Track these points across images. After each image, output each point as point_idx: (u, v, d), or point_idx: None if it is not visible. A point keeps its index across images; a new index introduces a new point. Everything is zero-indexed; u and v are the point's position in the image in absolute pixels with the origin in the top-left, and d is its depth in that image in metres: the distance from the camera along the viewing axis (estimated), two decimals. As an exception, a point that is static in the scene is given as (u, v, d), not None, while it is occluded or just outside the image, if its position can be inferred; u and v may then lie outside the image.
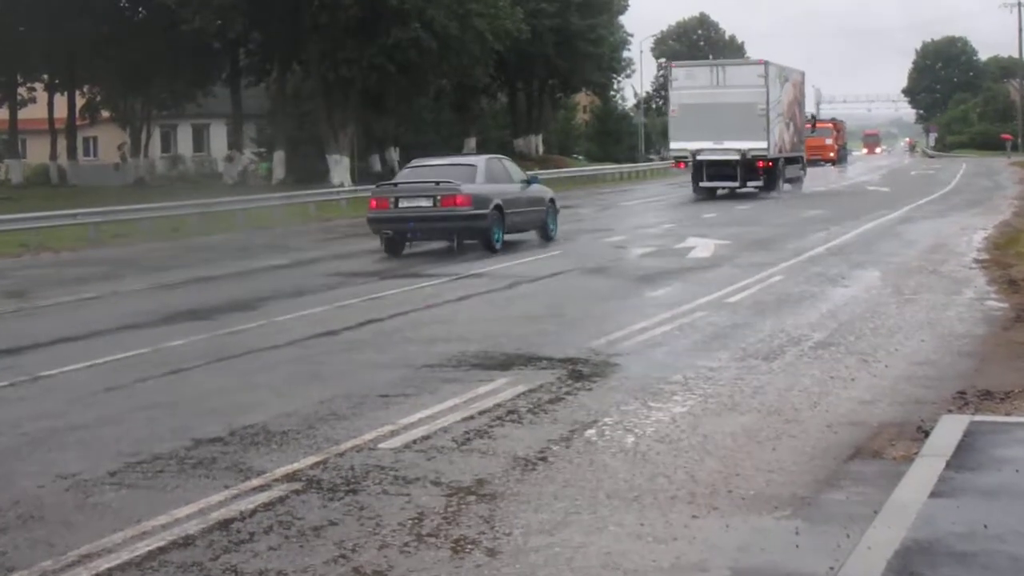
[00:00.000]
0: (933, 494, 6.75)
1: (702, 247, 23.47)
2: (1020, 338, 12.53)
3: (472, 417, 9.45)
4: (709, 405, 9.80)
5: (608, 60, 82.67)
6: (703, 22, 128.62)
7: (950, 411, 9.15)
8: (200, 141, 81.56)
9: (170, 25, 51.89)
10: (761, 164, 42.87)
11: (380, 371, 11.52)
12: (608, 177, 67.29)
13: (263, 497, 7.44)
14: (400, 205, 24.16)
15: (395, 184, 25.43)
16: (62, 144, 65.26)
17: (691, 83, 43.77)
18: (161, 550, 6.53)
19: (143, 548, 6.55)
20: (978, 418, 8.64)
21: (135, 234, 32.10)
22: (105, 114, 68.62)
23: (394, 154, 65.16)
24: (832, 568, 5.90)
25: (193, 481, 7.87)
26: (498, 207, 24.37)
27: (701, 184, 43.50)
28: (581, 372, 11.27)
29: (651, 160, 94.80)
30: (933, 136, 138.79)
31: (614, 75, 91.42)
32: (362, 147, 59.53)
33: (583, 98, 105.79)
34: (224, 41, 55.56)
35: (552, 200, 27.43)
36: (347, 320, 15.03)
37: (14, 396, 10.95)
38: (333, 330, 14.27)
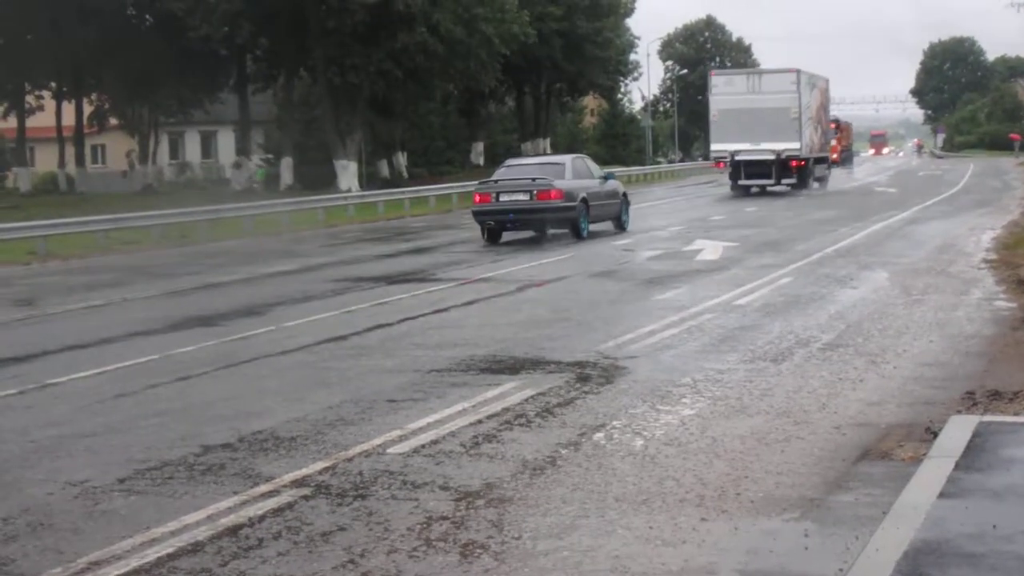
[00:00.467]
0: (942, 495, 6.74)
1: (710, 249, 23.46)
2: (1029, 338, 12.51)
3: (480, 421, 9.45)
4: (718, 407, 9.79)
5: (615, 63, 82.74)
6: (710, 24, 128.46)
7: (959, 412, 9.13)
8: (208, 148, 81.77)
9: (177, 32, 52.05)
10: (794, 163, 46.56)
11: (388, 376, 11.52)
12: (616, 180, 67.10)
13: (272, 503, 7.44)
14: (501, 199, 27.56)
15: (496, 181, 28.60)
16: (70, 152, 65.43)
17: (730, 90, 47.56)
18: (170, 556, 6.53)
19: (152, 555, 6.55)
20: (987, 419, 8.62)
21: (144, 241, 32.19)
22: (113, 121, 68.84)
23: (402, 159, 65.21)
24: (841, 570, 5.89)
25: (202, 487, 7.88)
26: (584, 200, 27.90)
27: (739, 182, 47.23)
28: (589, 375, 11.26)
29: (659, 163, 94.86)
30: (941, 136, 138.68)
31: (621, 78, 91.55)
32: (369, 152, 59.58)
33: (590, 101, 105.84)
34: (231, 48, 55.72)
35: (624, 194, 31.10)
36: (355, 325, 15.04)
37: (23, 404, 10.96)
38: (341, 335, 14.28)
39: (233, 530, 6.95)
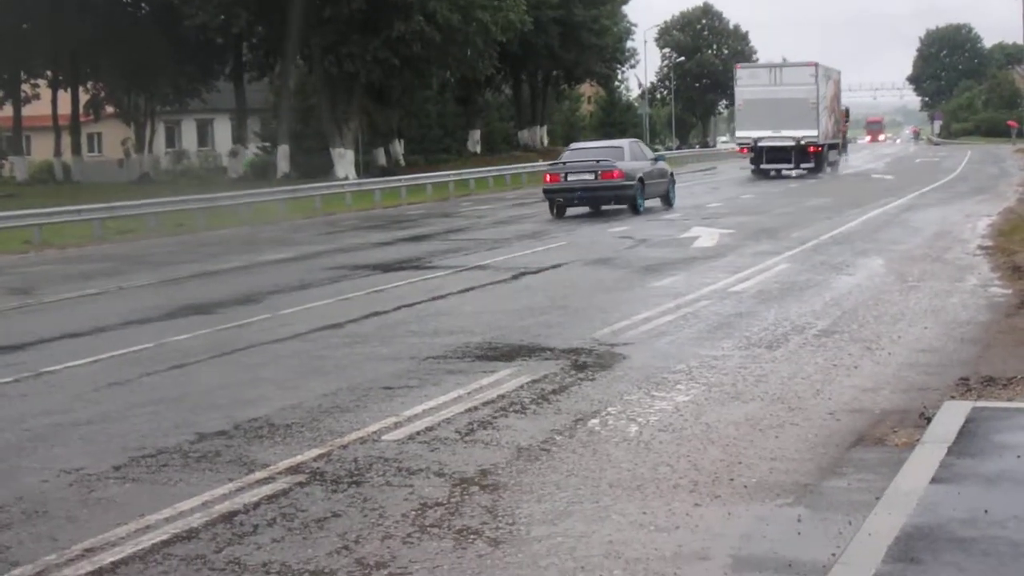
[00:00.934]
0: (934, 480, 6.76)
1: (706, 236, 23.47)
2: (1023, 325, 12.53)
3: (476, 408, 9.46)
4: (712, 394, 9.80)
5: (612, 51, 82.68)
6: (707, 12, 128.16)
7: (952, 398, 9.15)
8: (204, 136, 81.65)
9: (173, 21, 51.93)
10: (812, 149, 50.91)
11: (384, 363, 11.53)
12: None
13: (267, 490, 7.46)
14: (568, 179, 31.46)
15: (564, 163, 32.62)
16: (66, 141, 65.35)
17: (753, 82, 52.28)
18: (165, 543, 6.55)
19: (147, 542, 6.57)
20: (980, 404, 8.64)
21: (140, 230, 32.17)
22: (109, 110, 68.69)
23: (398, 147, 65.15)
24: (834, 555, 5.91)
25: (197, 475, 7.89)
26: (640, 179, 31.69)
27: (761, 166, 51.43)
28: (585, 362, 11.28)
29: (656, 150, 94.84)
30: (938, 123, 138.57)
31: (618, 66, 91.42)
32: (366, 141, 59.53)
33: (587, 89, 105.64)
34: (227, 36, 55.55)
35: (672, 174, 34.88)
36: (351, 313, 15.05)
37: (18, 392, 10.97)
38: (337, 323, 14.28)
39: (228, 517, 6.97)
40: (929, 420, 8.35)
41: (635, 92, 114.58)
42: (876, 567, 5.48)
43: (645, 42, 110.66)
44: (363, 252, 24.05)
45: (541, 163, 62.06)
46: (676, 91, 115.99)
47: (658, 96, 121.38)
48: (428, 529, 6.64)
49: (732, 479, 7.38)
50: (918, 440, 7.86)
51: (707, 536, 6.41)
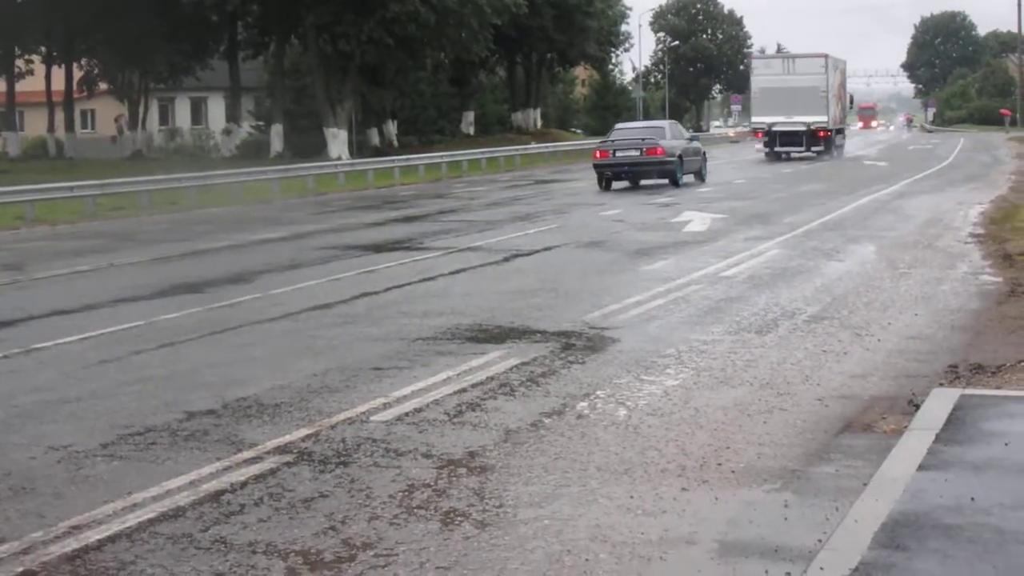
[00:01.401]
0: (921, 467, 6.77)
1: (698, 221, 23.46)
2: (1014, 312, 12.55)
3: (465, 390, 9.46)
4: (701, 379, 9.81)
5: (606, 34, 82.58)
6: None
7: (941, 385, 9.16)
8: (198, 114, 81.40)
9: (169, -2, 51.72)
10: (822, 134, 54.92)
11: (374, 344, 11.53)
12: (606, 151, 67.10)
13: (254, 469, 7.45)
14: (617, 155, 35.34)
15: (612, 141, 36.62)
16: (60, 117, 65.10)
17: (768, 71, 57.05)
18: (151, 522, 6.54)
19: (133, 520, 6.56)
20: (969, 392, 8.66)
21: (132, 207, 32.10)
22: (103, 87, 68.45)
23: (392, 128, 65.02)
24: (820, 541, 5.91)
25: (185, 453, 7.89)
26: (680, 156, 35.55)
27: (775, 149, 54.95)
28: (575, 345, 11.28)
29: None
30: (932, 111, 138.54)
31: (612, 49, 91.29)
32: (360, 121, 59.42)
33: (581, 72, 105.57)
34: (222, 14, 55.37)
35: (704, 153, 38.91)
36: (341, 293, 15.03)
37: (7, 368, 10.96)
38: (327, 303, 14.27)
39: (215, 496, 6.96)
40: (917, 407, 8.36)
41: (629, 75, 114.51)
42: (862, 553, 5.49)
43: (640, 26, 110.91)
44: (355, 232, 24.02)
45: (534, 145, 62.16)
46: (670, 75, 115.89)
47: (652, 80, 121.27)
48: (415, 510, 6.64)
49: (720, 464, 7.39)
50: (906, 427, 7.87)
51: (694, 521, 6.41)
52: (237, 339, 12.20)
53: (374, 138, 62.69)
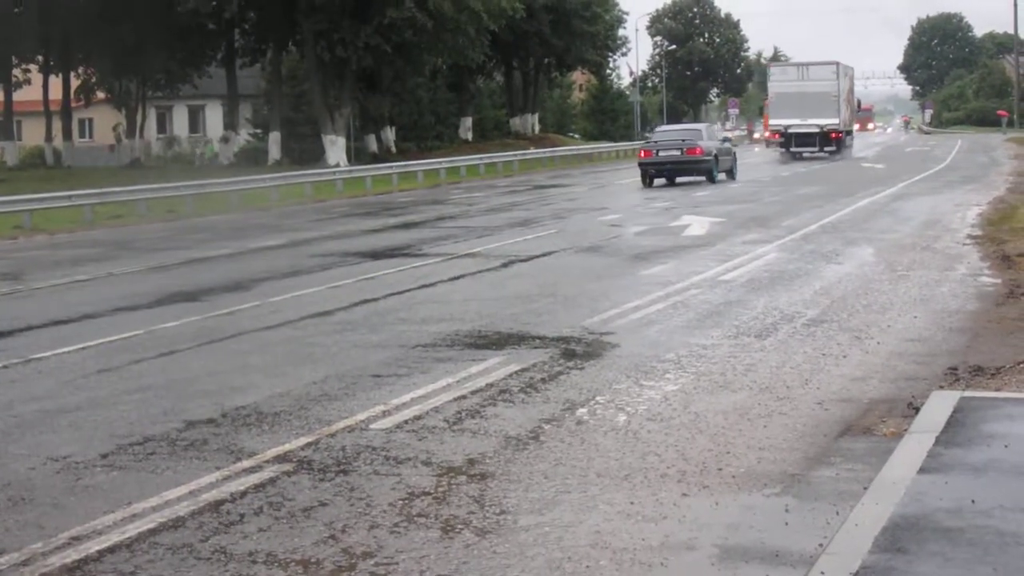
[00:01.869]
0: (922, 470, 6.76)
1: (696, 225, 23.46)
2: (1012, 314, 12.55)
3: (464, 397, 9.46)
4: (701, 383, 9.80)
5: (603, 38, 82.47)
6: (699, 0, 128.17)
7: (941, 387, 9.16)
8: (196, 122, 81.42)
9: (165, 5, 51.69)
10: (834, 135, 59.17)
11: (373, 351, 11.52)
12: (604, 155, 67.32)
13: (254, 478, 7.45)
14: (659, 154, 39.30)
15: (655, 142, 41.20)
16: (57, 126, 65.06)
17: (784, 78, 61.54)
18: (151, 532, 6.54)
19: (133, 530, 6.56)
20: (968, 394, 8.65)
21: (131, 215, 32.11)
22: (100, 95, 68.44)
23: (390, 134, 64.99)
24: (821, 545, 5.90)
25: (184, 463, 7.88)
26: (715, 155, 39.31)
27: (790, 149, 59.19)
28: (574, 351, 11.27)
29: (647, 139, 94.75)
30: (929, 113, 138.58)
31: (609, 53, 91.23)
32: (358, 127, 59.42)
33: (579, 76, 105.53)
34: (219, 22, 55.38)
35: (735, 152, 43.01)
36: (340, 300, 15.03)
37: (7, 378, 10.94)
38: (327, 310, 14.26)
39: (215, 505, 6.96)
40: (917, 410, 8.36)
41: (626, 80, 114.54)
42: (863, 557, 5.48)
43: (637, 30, 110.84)
44: (353, 239, 24.02)
45: (532, 150, 62.18)
46: (667, 79, 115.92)
47: (649, 84, 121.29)
48: (415, 518, 6.64)
49: (720, 469, 7.39)
50: (906, 430, 7.87)
51: (694, 526, 6.41)
52: (236, 347, 12.19)
53: (372, 145, 62.66)
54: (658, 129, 45.00)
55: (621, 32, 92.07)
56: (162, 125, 79.75)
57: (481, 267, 18.14)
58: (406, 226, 26.96)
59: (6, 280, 19.04)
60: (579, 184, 42.48)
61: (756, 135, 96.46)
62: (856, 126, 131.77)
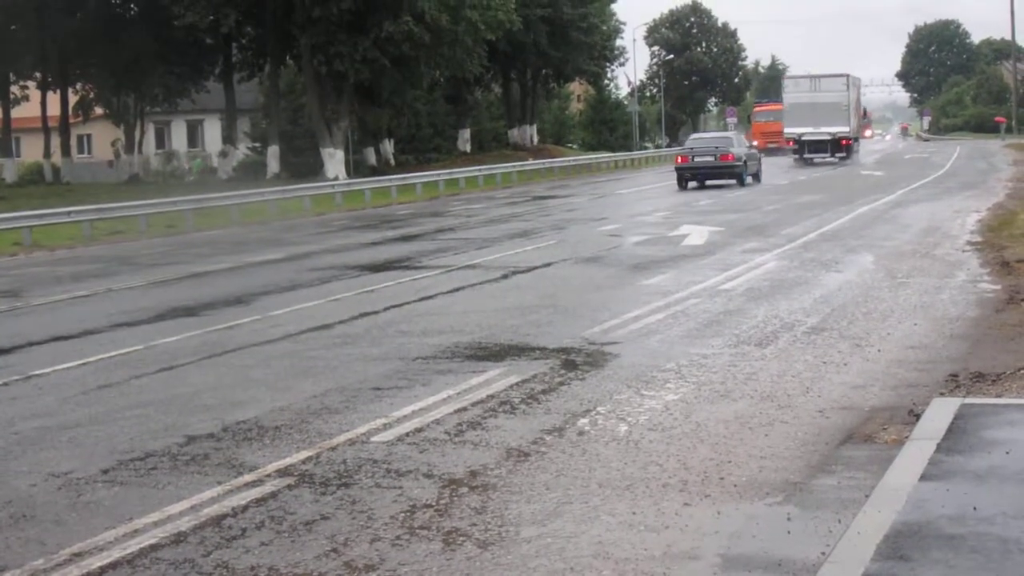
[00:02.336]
0: (923, 477, 6.76)
1: (696, 235, 23.47)
2: (1013, 320, 12.55)
3: (465, 409, 9.45)
4: (702, 392, 9.80)
5: (601, 49, 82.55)
6: (696, 9, 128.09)
7: (942, 394, 9.16)
8: (194, 137, 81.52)
9: (163, 21, 51.78)
10: (844, 142, 63.79)
11: (373, 364, 11.52)
12: (603, 166, 67.34)
13: (255, 493, 7.44)
14: (695, 160, 42.87)
15: (691, 148, 44.46)
16: (56, 142, 65.12)
17: (797, 89, 65.95)
18: (153, 547, 6.53)
19: (135, 546, 6.55)
20: (969, 401, 8.65)
21: (130, 231, 32.09)
22: (98, 111, 68.50)
23: (388, 146, 65.06)
24: (823, 553, 5.90)
25: (186, 478, 7.87)
26: (745, 160, 43.01)
27: (804, 156, 63.29)
28: (574, 362, 11.27)
29: (646, 148, 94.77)
30: (927, 119, 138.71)
31: (607, 64, 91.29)
32: (356, 140, 59.46)
33: (577, 87, 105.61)
34: (217, 36, 55.48)
35: (760, 158, 46.80)
36: (341, 314, 15.02)
37: (7, 395, 10.93)
38: (327, 324, 14.26)
39: (216, 520, 6.95)
40: (918, 417, 8.36)
41: (624, 90, 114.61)
42: (865, 565, 5.48)
43: (634, 40, 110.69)
44: (353, 252, 24.01)
45: (531, 162, 62.19)
46: (665, 89, 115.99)
47: (647, 94, 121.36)
48: (417, 531, 6.63)
49: (722, 478, 7.38)
50: (907, 437, 7.87)
51: (696, 535, 6.40)
52: (237, 361, 12.18)
53: (371, 157, 62.72)
54: (692, 137, 48.98)
55: (618, 42, 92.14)
56: (160, 140, 79.84)
57: (481, 279, 18.14)
58: (405, 238, 26.95)
59: (6, 297, 19.04)
60: (578, 195, 42.50)
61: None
62: (868, 133, 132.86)
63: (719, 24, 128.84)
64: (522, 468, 7.78)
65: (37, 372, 11.88)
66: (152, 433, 9.12)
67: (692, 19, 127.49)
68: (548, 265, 19.66)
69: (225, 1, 50.63)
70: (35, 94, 65.00)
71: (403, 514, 6.92)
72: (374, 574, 6.04)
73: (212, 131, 78.62)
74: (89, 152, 78.24)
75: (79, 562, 6.34)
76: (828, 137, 63.05)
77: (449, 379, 10.58)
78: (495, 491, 7.32)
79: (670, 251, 20.88)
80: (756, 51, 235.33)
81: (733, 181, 42.49)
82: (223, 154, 63.89)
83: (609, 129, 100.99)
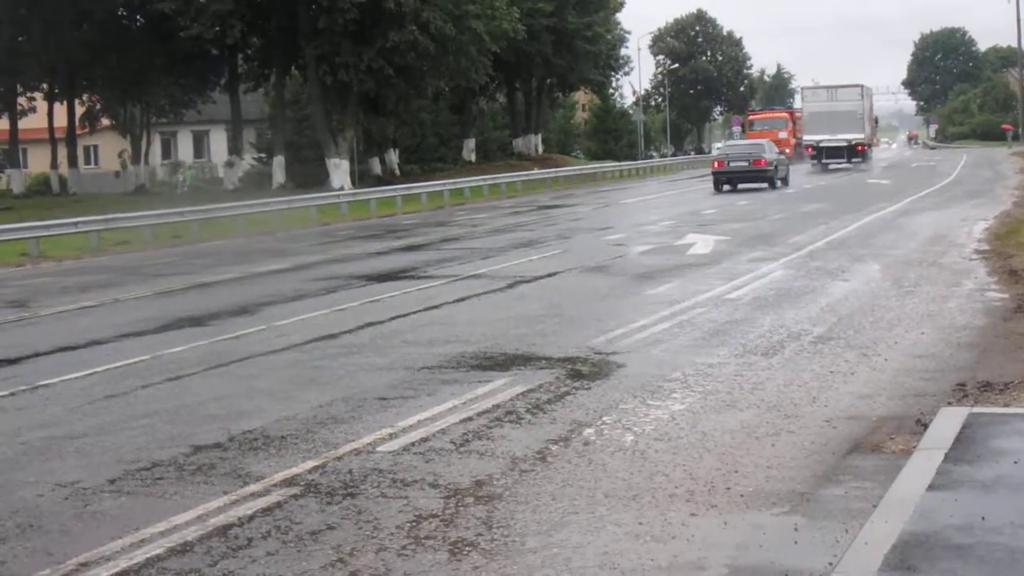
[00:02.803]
0: (931, 487, 6.74)
1: (701, 243, 23.46)
2: (1021, 329, 12.53)
3: (471, 418, 9.44)
4: (708, 402, 9.79)
5: (605, 58, 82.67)
6: (701, 18, 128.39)
7: (949, 403, 9.13)
8: (200, 147, 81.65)
9: (168, 32, 51.87)
10: (860, 148, 68.88)
11: (379, 374, 11.51)
12: (608, 175, 67.37)
13: (261, 502, 7.44)
14: (730, 165, 46.56)
15: (726, 154, 48.51)
16: (63, 153, 65.27)
17: (815, 99, 70.86)
18: (159, 558, 6.53)
19: (141, 556, 6.55)
20: (977, 410, 8.63)
21: (136, 241, 32.14)
22: (105, 122, 68.62)
23: (394, 156, 65.11)
24: (830, 564, 5.89)
25: (192, 488, 7.87)
26: (776, 165, 46.75)
27: (822, 161, 67.67)
28: (580, 371, 11.26)
29: (651, 157, 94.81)
30: (934, 127, 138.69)
31: (612, 73, 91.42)
32: (361, 150, 59.50)
33: (582, 96, 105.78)
34: (222, 47, 55.55)
35: (788, 164, 50.76)
36: (346, 323, 15.02)
37: (14, 405, 10.94)
38: (332, 334, 14.26)
39: (223, 530, 6.95)
40: (926, 426, 8.34)
41: (629, 99, 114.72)
42: (873, 575, 5.46)
43: (639, 49, 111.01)
44: (358, 262, 24.02)
45: (536, 171, 62.18)
46: (670, 98, 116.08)
47: (652, 103, 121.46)
48: (423, 541, 6.62)
49: (728, 488, 7.37)
50: (915, 447, 7.85)
51: (703, 546, 6.39)
52: (242, 371, 12.19)
53: (376, 167, 62.78)
54: (727, 143, 54.04)
55: (623, 51, 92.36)
56: (167, 151, 79.98)
57: (486, 288, 18.13)
58: (410, 248, 26.95)
59: (13, 307, 19.06)
60: (583, 204, 42.49)
61: None
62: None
63: (724, 33, 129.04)
64: (528, 478, 7.77)
65: (44, 382, 11.88)
66: (158, 443, 9.12)
67: (697, 28, 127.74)
68: (553, 275, 19.64)
69: (231, 12, 50.69)
70: (42, 105, 65.15)
71: (409, 524, 6.92)
72: (380, 584, 6.03)
73: (218, 142, 78.77)
74: (96, 163, 78.41)
75: (85, 572, 6.34)
76: (844, 143, 67.61)
77: (455, 389, 10.57)
78: (501, 501, 7.31)
79: (676, 260, 20.87)
80: (761, 60, 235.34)
81: (765, 184, 45.53)
82: (229, 164, 63.93)
83: (614, 138, 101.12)
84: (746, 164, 45.99)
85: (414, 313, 15.77)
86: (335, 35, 50.23)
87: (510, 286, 18.27)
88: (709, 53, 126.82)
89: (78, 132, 66.10)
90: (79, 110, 65.73)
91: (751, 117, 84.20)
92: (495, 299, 17.01)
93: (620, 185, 59.61)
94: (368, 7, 48.53)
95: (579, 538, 6.57)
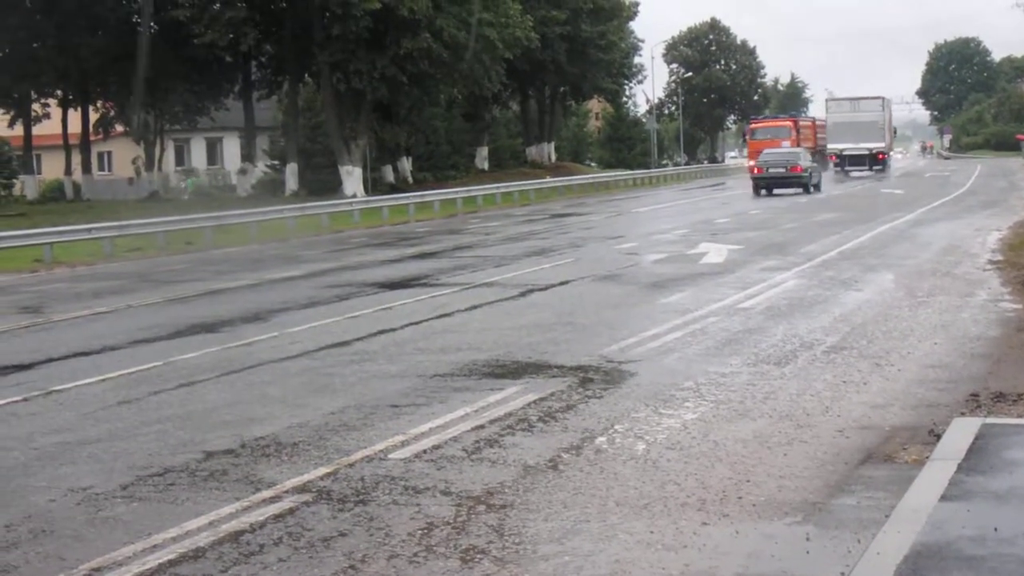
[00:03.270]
0: (944, 498, 6.72)
1: (714, 252, 23.44)
2: (1033, 339, 12.48)
3: (483, 426, 9.45)
4: (720, 411, 9.78)
5: (619, 66, 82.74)
6: (714, 27, 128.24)
7: (962, 414, 9.11)
8: (214, 154, 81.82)
9: (182, 40, 52.02)
10: (880, 156, 74.17)
11: (391, 381, 11.52)
12: (621, 183, 67.40)
13: (273, 509, 7.45)
14: (768, 171, 50.41)
15: (765, 161, 51.61)
16: (76, 159, 65.40)
17: (839, 110, 76.75)
18: (171, 563, 6.54)
19: (153, 561, 6.56)
20: (990, 420, 8.61)
21: (150, 248, 32.20)
22: (119, 129, 68.79)
23: (406, 164, 65.19)
24: (842, 574, 5.88)
25: (204, 494, 7.88)
26: (810, 172, 50.59)
27: (845, 168, 72.71)
28: (592, 380, 11.26)
29: (664, 166, 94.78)
30: (948, 137, 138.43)
31: (625, 81, 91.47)
32: (374, 158, 59.59)
33: (595, 105, 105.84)
34: (236, 54, 55.67)
35: (821, 172, 54.90)
36: (358, 331, 15.04)
37: (27, 411, 10.97)
38: (345, 341, 14.27)
39: (235, 536, 6.96)
40: (939, 437, 8.32)
41: (643, 107, 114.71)
42: (885, 586, 5.45)
43: (652, 58, 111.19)
44: (371, 269, 24.05)
45: (549, 179, 62.21)
46: (684, 106, 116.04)
47: (666, 111, 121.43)
48: (434, 548, 6.62)
49: (740, 497, 7.36)
50: (927, 457, 7.83)
51: (714, 555, 6.38)
52: (255, 378, 12.21)
53: (389, 175, 62.84)
54: (765, 152, 55.76)
55: (637, 60, 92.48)
56: (180, 158, 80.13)
57: (498, 296, 18.14)
58: (423, 256, 26.98)
59: (27, 313, 19.12)
60: (596, 212, 42.51)
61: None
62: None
63: (738, 41, 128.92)
64: (539, 486, 7.77)
65: (57, 388, 11.91)
66: (171, 449, 9.14)
67: (711, 36, 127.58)
68: (566, 283, 19.64)
69: (244, 20, 50.85)
70: (56, 112, 65.31)
71: (420, 531, 6.92)
72: (392, 592, 6.03)
73: (231, 149, 78.93)
74: (109, 169, 78.60)
75: (97, 578, 6.35)
76: (866, 152, 72.95)
77: (467, 396, 10.58)
78: (512, 509, 7.31)
79: (688, 269, 20.86)
80: (775, 68, 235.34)
81: (800, 189, 49.04)
82: (242, 171, 64.08)
83: (627, 147, 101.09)
84: (783, 171, 49.66)
85: (426, 321, 15.78)
86: (348, 42, 50.33)
87: (522, 294, 18.27)
88: (723, 62, 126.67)
89: (92, 139, 66.28)
90: (93, 116, 65.90)
91: (752, 126, 79.42)
92: (507, 307, 17.01)
93: (633, 194, 59.62)
94: (382, 15, 48.60)
95: (591, 546, 6.56)
